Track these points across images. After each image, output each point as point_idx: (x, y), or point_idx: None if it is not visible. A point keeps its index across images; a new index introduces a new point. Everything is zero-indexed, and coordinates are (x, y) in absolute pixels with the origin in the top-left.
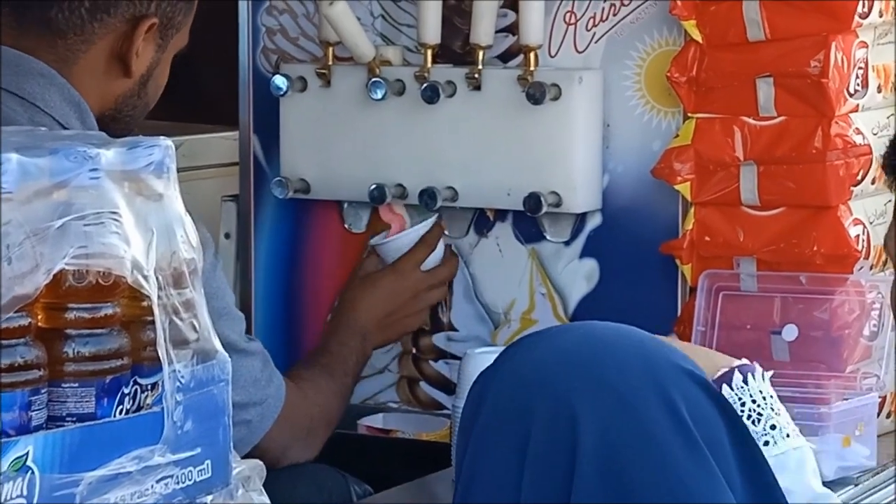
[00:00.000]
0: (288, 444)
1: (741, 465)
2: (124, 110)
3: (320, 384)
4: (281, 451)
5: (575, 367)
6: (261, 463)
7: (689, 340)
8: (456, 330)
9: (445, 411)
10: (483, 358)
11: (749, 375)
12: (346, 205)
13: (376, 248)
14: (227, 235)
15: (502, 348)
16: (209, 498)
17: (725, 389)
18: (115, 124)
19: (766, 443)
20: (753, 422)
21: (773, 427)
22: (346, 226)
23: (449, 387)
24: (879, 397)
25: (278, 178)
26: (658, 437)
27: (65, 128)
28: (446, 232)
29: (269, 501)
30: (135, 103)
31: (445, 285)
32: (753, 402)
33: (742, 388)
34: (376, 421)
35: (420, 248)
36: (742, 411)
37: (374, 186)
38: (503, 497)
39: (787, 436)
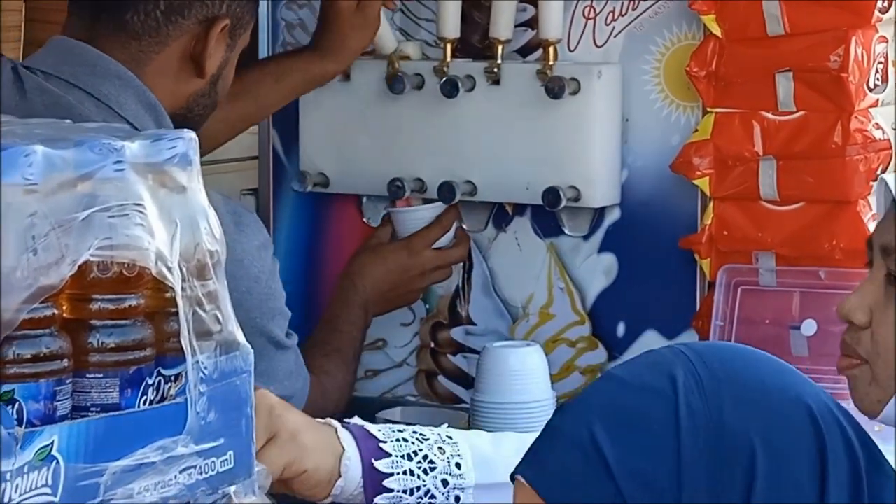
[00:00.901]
0: None
1: None
2: (195, 109)
3: (337, 378)
4: None
5: (801, 377)
6: None
7: (707, 335)
8: (474, 324)
9: (464, 405)
10: (501, 352)
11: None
12: (364, 199)
13: (392, 215)
14: None
15: (521, 342)
16: (232, 488)
17: (383, 463)
18: (185, 123)
19: (458, 464)
20: (426, 471)
21: (441, 449)
22: (364, 220)
23: (467, 380)
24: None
25: (298, 172)
26: None
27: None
28: (464, 225)
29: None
30: (205, 102)
31: (451, 267)
32: (410, 456)
33: (397, 460)
34: (394, 414)
35: (434, 229)
36: (415, 471)
37: (392, 180)
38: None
39: (451, 439)
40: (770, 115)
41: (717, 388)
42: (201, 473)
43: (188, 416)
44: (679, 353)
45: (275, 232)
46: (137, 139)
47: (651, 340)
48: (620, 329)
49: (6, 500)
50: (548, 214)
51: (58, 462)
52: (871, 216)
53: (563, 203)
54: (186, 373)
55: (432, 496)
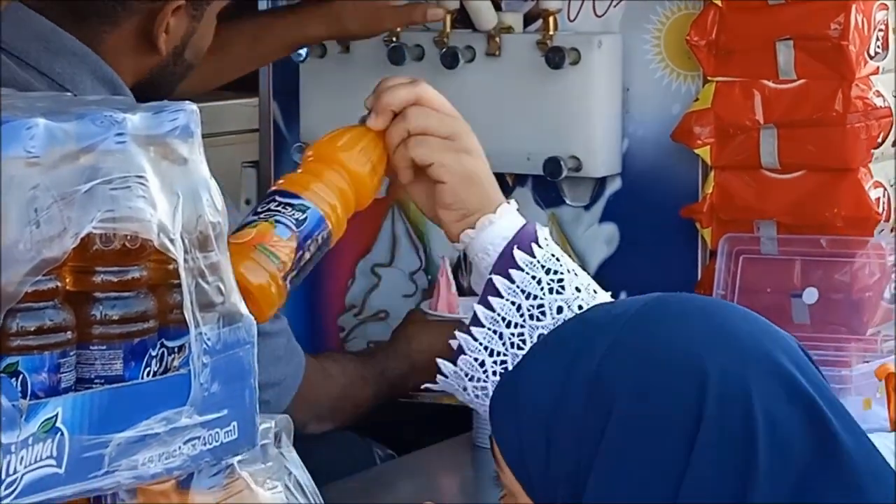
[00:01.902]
0: (305, 421)
1: None
2: (161, 80)
3: (348, 368)
4: (297, 427)
5: (734, 347)
6: (289, 418)
7: None
8: (476, 294)
9: None
10: None
11: (534, 243)
12: None
13: (427, 315)
14: (247, 202)
15: None
16: (236, 459)
17: (522, 256)
18: (156, 88)
19: (580, 307)
20: (555, 290)
21: (577, 289)
22: None
23: None
24: None
25: (298, 144)
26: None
27: None
28: None
29: (297, 457)
30: (172, 70)
31: None
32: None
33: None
34: None
35: None
36: (543, 283)
37: None
38: (661, 482)
39: (596, 291)
40: (771, 84)
41: (624, 339)
42: (205, 444)
43: (192, 387)
44: (637, 300)
45: None
46: (139, 111)
47: None
48: (622, 298)
49: (11, 471)
50: (549, 185)
51: (62, 434)
52: (872, 183)
53: (564, 173)
54: (189, 344)
55: (542, 313)
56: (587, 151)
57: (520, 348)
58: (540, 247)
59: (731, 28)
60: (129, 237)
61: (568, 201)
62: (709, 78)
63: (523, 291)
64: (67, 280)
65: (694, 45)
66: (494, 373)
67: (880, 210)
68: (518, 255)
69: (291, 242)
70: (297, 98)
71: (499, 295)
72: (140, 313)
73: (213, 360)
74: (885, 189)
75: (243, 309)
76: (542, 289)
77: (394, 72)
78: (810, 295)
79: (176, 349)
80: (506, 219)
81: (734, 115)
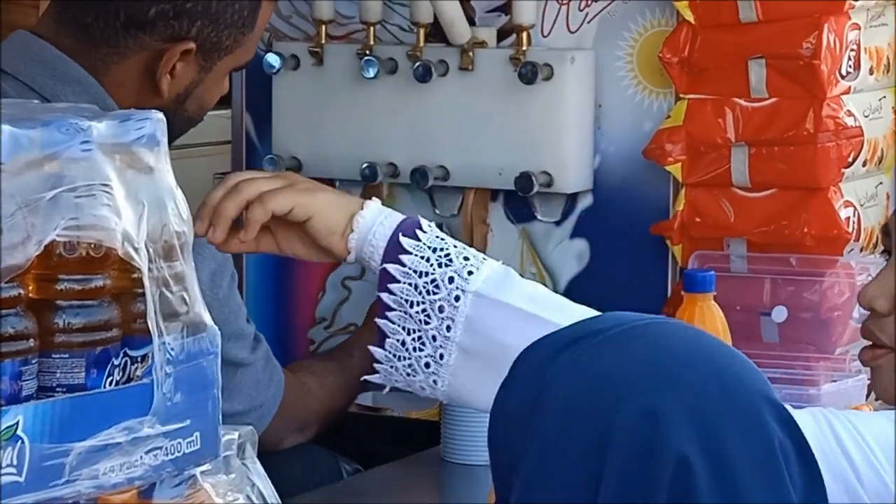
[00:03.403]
0: (283, 436)
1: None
2: None
3: (327, 380)
4: (276, 442)
5: (661, 382)
6: (254, 430)
7: None
8: None
9: None
10: None
11: (418, 230)
12: (337, 183)
13: None
14: None
15: None
16: (198, 469)
17: (408, 241)
18: None
19: (470, 272)
20: (443, 264)
21: (466, 258)
22: None
23: None
24: (868, 379)
25: (270, 156)
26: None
27: None
28: (437, 211)
29: (262, 469)
30: (171, 118)
31: None
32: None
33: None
34: (366, 399)
35: None
36: (431, 260)
37: (365, 165)
38: (577, 495)
39: (485, 259)
40: (742, 102)
41: (567, 366)
42: (167, 454)
43: (154, 396)
44: (612, 322)
45: None
46: (105, 119)
47: None
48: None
49: None
50: (520, 200)
51: (23, 442)
52: (842, 203)
53: (536, 188)
54: (153, 353)
55: (437, 287)
56: (559, 167)
57: (426, 322)
58: (424, 231)
59: (703, 46)
60: (93, 245)
61: (539, 217)
62: (681, 95)
63: (415, 271)
64: (30, 287)
65: (666, 62)
66: (415, 349)
67: (850, 229)
68: (404, 241)
69: None
70: (269, 110)
71: (395, 280)
72: (103, 322)
73: (177, 370)
74: (856, 208)
75: (207, 319)
76: (431, 265)
77: (366, 85)
78: (779, 313)
79: (139, 358)
80: (373, 209)
81: (706, 132)
